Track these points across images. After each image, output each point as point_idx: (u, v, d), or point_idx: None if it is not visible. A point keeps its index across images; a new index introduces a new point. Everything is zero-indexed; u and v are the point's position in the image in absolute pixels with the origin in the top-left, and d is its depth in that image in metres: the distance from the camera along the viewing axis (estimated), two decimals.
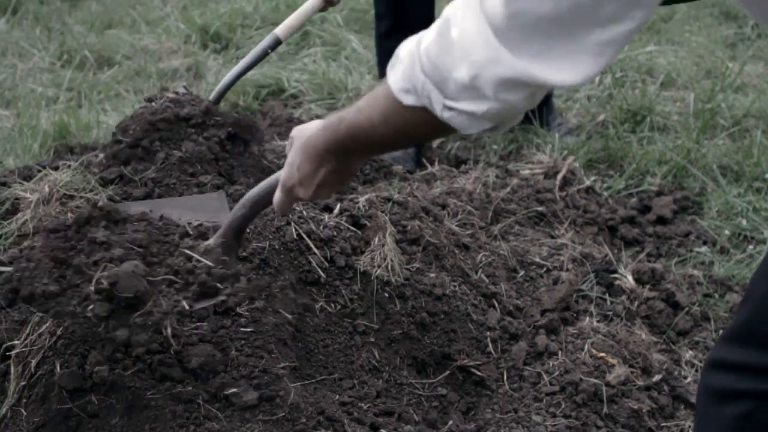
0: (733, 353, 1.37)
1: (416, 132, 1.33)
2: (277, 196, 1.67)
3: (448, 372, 2.43)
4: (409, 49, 1.28)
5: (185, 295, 1.84)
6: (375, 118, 1.35)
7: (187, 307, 1.82)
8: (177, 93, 3.05)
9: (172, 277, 1.85)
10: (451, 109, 1.23)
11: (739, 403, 1.37)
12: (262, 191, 1.79)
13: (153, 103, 2.95)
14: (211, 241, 1.89)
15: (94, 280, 1.80)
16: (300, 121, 4.00)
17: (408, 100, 1.27)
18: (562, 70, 1.14)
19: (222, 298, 1.84)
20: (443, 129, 1.27)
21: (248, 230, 2.42)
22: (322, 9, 3.20)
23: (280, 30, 3.15)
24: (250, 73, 4.43)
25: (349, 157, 1.51)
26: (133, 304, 1.77)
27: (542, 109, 3.88)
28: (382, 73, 3.78)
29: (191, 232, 2.01)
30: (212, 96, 3.07)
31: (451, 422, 2.29)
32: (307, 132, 1.55)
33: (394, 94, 1.29)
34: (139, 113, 2.91)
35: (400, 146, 1.49)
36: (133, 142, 2.82)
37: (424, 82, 1.23)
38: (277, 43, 3.15)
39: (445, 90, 1.22)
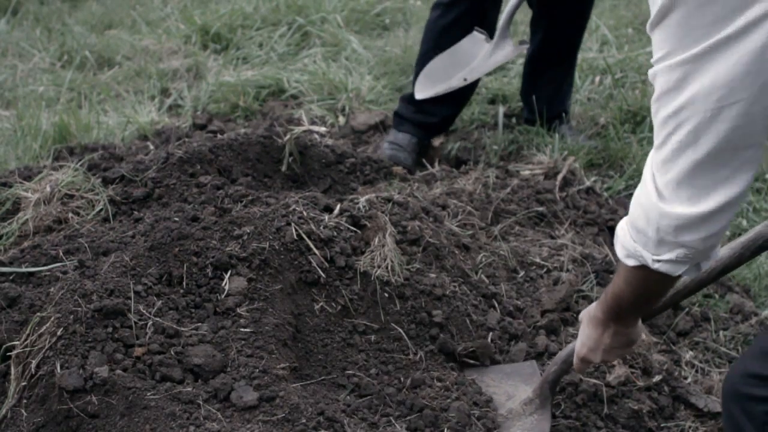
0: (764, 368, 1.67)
1: (647, 285, 1.70)
2: (574, 361, 2.08)
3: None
4: (621, 227, 1.67)
5: None
6: (621, 284, 1.76)
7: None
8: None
9: None
10: (658, 261, 1.59)
11: None
12: (569, 353, 2.20)
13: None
14: (530, 393, 2.28)
15: None
16: (300, 122, 4.01)
17: (630, 263, 1.65)
18: (710, 200, 1.47)
19: None
20: (662, 277, 1.62)
21: (248, 231, 2.43)
22: None
23: None
24: (249, 74, 4.45)
25: (622, 320, 1.90)
26: None
27: (553, 122, 3.86)
28: (426, 46, 3.63)
29: None
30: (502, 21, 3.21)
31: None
32: (590, 310, 1.98)
33: (623, 262, 1.68)
34: None
35: (648, 301, 1.85)
36: None
37: (635, 247, 1.61)
38: None
39: (649, 249, 1.58)
